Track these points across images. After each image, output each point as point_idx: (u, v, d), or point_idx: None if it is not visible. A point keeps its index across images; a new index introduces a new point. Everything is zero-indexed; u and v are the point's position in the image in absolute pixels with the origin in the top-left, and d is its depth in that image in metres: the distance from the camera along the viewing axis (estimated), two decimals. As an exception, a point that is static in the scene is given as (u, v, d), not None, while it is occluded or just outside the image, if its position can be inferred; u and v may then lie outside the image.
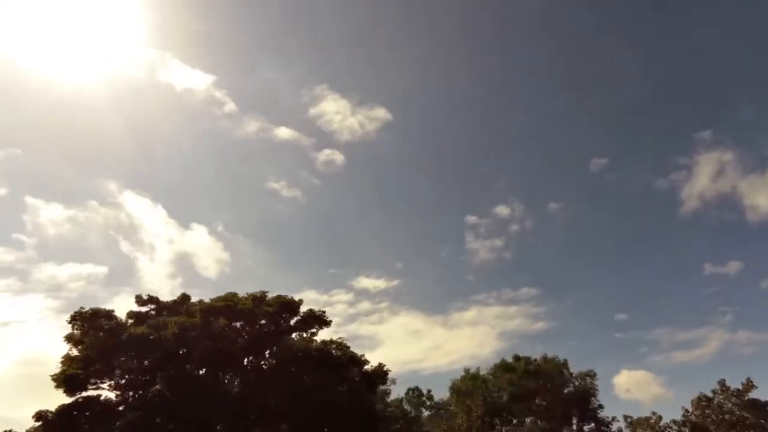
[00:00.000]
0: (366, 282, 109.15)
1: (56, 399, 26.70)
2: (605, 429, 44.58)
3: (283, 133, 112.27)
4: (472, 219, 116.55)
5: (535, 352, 49.06)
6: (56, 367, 27.02)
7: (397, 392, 44.84)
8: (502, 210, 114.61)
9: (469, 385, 44.15)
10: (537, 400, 44.20)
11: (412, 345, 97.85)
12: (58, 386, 26.45)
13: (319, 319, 30.78)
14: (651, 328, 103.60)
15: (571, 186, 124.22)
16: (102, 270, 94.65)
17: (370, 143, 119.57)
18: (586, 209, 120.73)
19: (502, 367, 45.28)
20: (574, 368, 45.85)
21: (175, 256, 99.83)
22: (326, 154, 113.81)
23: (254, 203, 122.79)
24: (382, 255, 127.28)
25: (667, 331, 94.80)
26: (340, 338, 31.06)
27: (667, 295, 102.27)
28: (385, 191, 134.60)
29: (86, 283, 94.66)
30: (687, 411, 44.89)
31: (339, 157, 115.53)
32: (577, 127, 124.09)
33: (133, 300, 30.47)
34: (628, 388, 75.90)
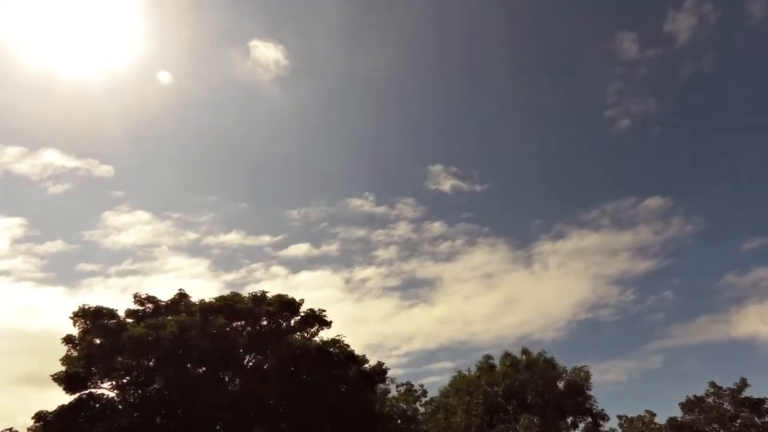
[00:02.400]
0: (445, 182, 78.39)
1: (40, 367, 25.81)
2: (600, 423, 44.81)
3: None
4: (630, 50, 67.40)
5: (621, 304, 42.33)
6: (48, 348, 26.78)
7: (397, 390, 44.96)
8: (683, 21, 64.18)
9: (463, 385, 44.29)
10: (529, 397, 44.34)
11: (480, 299, 74.38)
12: (59, 385, 26.50)
13: (319, 319, 31.01)
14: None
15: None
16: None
17: None
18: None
19: (488, 368, 45.33)
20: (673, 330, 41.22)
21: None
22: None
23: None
24: (474, 135, 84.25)
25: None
26: (339, 336, 31.32)
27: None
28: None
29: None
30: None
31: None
32: None
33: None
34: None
